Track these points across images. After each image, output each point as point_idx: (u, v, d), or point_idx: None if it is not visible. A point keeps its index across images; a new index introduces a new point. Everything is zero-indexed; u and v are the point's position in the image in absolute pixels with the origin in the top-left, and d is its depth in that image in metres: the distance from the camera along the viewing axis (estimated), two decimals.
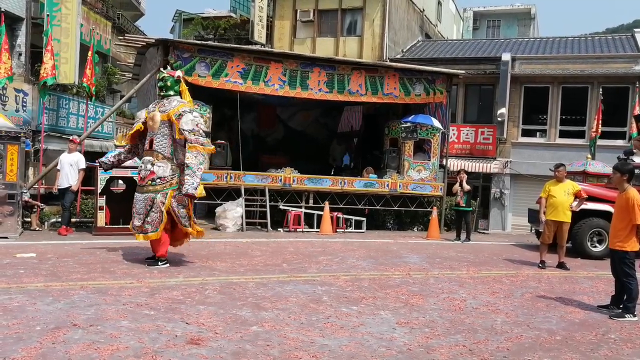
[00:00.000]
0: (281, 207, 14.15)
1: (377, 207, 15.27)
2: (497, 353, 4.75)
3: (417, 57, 22.16)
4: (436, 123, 15.47)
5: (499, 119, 20.02)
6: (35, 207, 11.83)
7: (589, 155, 15.95)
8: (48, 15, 15.21)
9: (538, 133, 20.86)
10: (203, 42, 16.64)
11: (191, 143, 7.66)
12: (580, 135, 19.87)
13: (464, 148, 20.71)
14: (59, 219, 11.71)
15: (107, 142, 19.01)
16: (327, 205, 13.87)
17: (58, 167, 11.40)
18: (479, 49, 22.87)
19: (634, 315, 6.20)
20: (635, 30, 22.41)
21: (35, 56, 15.88)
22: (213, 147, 8.57)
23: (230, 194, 13.94)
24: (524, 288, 7.68)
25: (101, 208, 11.12)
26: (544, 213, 9.68)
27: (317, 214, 14.10)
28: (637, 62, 19.10)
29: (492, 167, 20.00)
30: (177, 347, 4.46)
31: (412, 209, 15.66)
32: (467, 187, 13.21)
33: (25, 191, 11.41)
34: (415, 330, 5.28)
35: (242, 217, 13.34)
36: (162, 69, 9.17)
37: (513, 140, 20.37)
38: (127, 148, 8.71)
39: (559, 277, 8.73)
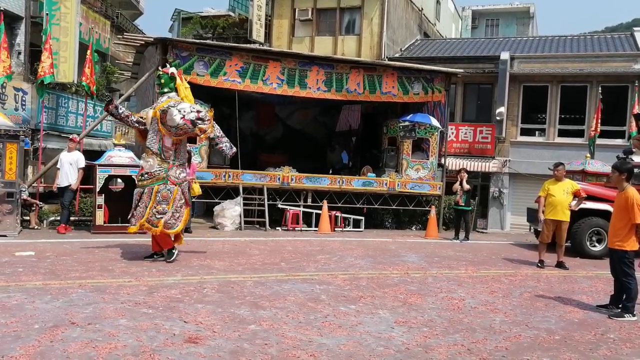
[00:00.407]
0: (279, 206, 14.15)
1: (376, 206, 15.28)
2: (496, 352, 4.74)
3: (415, 56, 22.15)
4: (435, 122, 15.46)
5: (498, 117, 20.03)
6: (34, 205, 11.82)
7: (588, 155, 15.97)
8: (47, 14, 15.18)
9: (537, 132, 20.85)
10: (202, 41, 16.68)
11: (200, 131, 7.98)
12: (579, 134, 19.88)
13: (463, 147, 20.71)
14: (58, 218, 11.69)
15: (105, 141, 19.00)
16: (325, 204, 13.86)
17: (58, 166, 11.40)
18: (477, 47, 22.87)
19: (633, 315, 6.19)
20: (635, 29, 22.39)
21: (34, 55, 15.82)
22: (211, 113, 8.47)
23: (229, 192, 13.94)
24: (522, 287, 7.68)
25: (100, 207, 11.13)
26: (543, 212, 9.69)
27: (316, 213, 14.09)
28: (637, 61, 19.11)
29: (490, 166, 19.99)
30: (175, 345, 4.45)
31: (411, 208, 15.67)
32: (467, 186, 13.21)
33: (24, 189, 11.40)
34: (413, 330, 5.28)
35: (240, 216, 13.33)
36: (159, 68, 9.27)
37: (512, 139, 20.37)
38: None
39: (557, 277, 8.74)
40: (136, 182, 8.31)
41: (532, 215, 12.32)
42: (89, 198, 12.53)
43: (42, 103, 13.86)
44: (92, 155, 14.03)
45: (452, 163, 19.21)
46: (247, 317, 5.38)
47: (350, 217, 14.65)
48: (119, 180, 12.33)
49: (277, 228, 13.77)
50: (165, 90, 8.25)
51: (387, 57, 21.20)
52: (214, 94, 14.55)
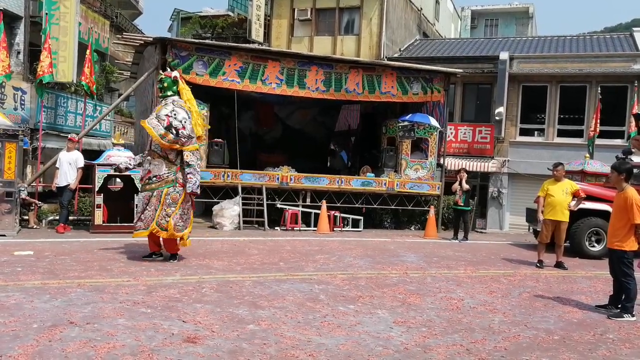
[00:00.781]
0: (278, 205, 14.14)
1: (375, 206, 15.28)
2: (495, 353, 4.74)
3: (414, 55, 22.16)
4: (434, 122, 15.45)
5: (497, 118, 20.04)
6: (33, 205, 11.82)
7: (587, 155, 15.97)
8: (46, 13, 15.18)
9: (536, 132, 20.86)
10: (201, 40, 16.68)
11: (183, 145, 7.85)
12: (579, 134, 19.89)
13: (462, 147, 20.71)
14: (57, 217, 11.69)
15: (105, 141, 18.99)
16: (324, 204, 13.86)
17: (57, 165, 11.40)
18: (476, 47, 22.88)
19: (632, 315, 6.19)
20: (634, 29, 22.41)
21: (34, 55, 15.81)
22: (196, 145, 8.26)
23: (228, 192, 13.93)
24: (521, 287, 7.68)
25: (98, 206, 11.12)
26: (542, 212, 9.69)
27: (315, 213, 14.09)
28: (636, 61, 19.13)
29: (489, 166, 20.00)
30: (174, 345, 4.45)
31: (410, 207, 15.66)
32: (466, 186, 13.20)
33: (23, 189, 11.39)
34: (412, 330, 5.27)
35: (239, 216, 13.32)
36: (160, 71, 9.22)
37: (511, 139, 20.38)
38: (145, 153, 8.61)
39: (556, 277, 8.73)
40: (141, 185, 8.24)
41: (531, 216, 12.31)
42: (88, 197, 12.52)
43: (42, 102, 13.86)
44: (91, 154, 14.03)
45: (451, 163, 19.21)
46: (245, 317, 5.38)
47: (349, 217, 14.64)
48: (118, 180, 12.32)
49: (276, 228, 13.76)
50: (169, 93, 8.13)
51: (386, 57, 21.21)
52: (213, 94, 14.55)
